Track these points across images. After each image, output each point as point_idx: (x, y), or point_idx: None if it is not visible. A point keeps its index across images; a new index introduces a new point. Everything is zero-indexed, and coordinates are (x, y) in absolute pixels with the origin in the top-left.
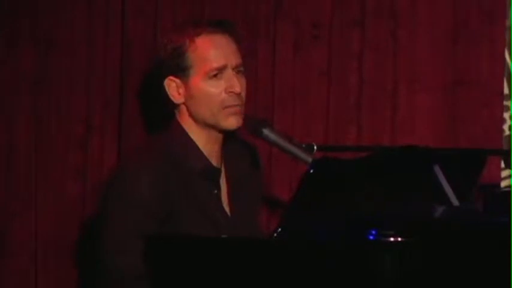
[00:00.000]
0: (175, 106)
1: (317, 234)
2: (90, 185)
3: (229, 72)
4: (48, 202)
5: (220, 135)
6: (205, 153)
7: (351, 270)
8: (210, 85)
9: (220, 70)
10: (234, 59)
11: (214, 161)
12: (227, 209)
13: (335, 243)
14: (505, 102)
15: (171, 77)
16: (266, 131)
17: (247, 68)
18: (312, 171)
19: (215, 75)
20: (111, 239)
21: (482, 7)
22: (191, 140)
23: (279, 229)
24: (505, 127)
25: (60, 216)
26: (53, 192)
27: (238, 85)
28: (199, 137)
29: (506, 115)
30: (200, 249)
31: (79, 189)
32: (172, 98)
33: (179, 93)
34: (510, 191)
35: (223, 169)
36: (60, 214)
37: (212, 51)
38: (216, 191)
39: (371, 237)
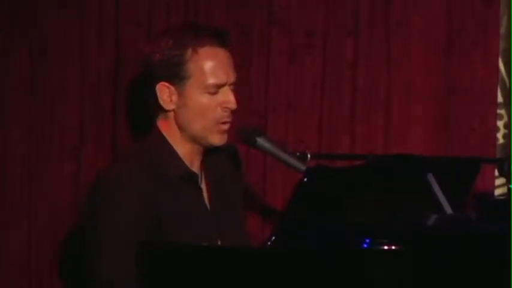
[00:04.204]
0: (162, 111)
1: (311, 243)
2: (84, 194)
3: (226, 88)
4: (42, 211)
5: (201, 148)
6: (185, 160)
7: (345, 279)
8: (207, 98)
9: (219, 87)
10: (232, 76)
11: (194, 166)
12: (209, 209)
13: (329, 251)
14: (499, 111)
15: (165, 83)
16: (260, 140)
17: (241, 76)
18: (305, 179)
19: (212, 90)
20: (103, 250)
21: (475, 16)
22: (171, 147)
23: (273, 237)
24: (499, 135)
25: (54, 225)
26: (47, 201)
27: (234, 101)
28: (181, 145)
29: (499, 123)
30: (193, 257)
31: (73, 198)
32: (162, 103)
33: (171, 100)
34: (504, 200)
35: (203, 173)
36: (54, 223)
37: (214, 67)
38: (196, 193)
39: (365, 246)
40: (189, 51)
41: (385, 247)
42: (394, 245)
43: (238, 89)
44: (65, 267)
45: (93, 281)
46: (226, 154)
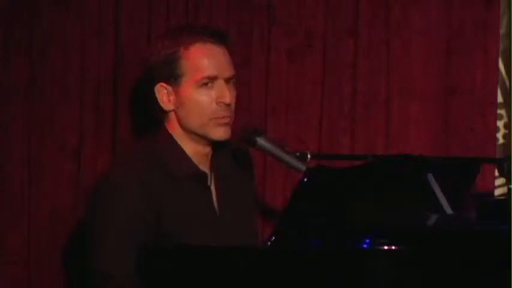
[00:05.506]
0: (165, 113)
1: (311, 243)
2: (84, 194)
3: (220, 83)
4: (42, 211)
5: (208, 145)
6: (193, 158)
7: (345, 279)
8: (201, 94)
9: (212, 80)
10: (226, 71)
11: (203, 165)
12: (217, 209)
13: (329, 251)
14: (499, 111)
15: (163, 84)
16: (260, 140)
17: (241, 77)
18: (306, 179)
19: (206, 84)
20: (103, 245)
21: (475, 16)
22: (179, 146)
23: (273, 237)
24: (499, 135)
25: (54, 225)
26: (47, 201)
27: (228, 96)
28: (188, 145)
29: (499, 123)
30: (194, 258)
31: (73, 198)
32: (162, 104)
33: (169, 100)
34: (504, 200)
35: (212, 174)
36: (54, 223)
37: (205, 60)
38: (205, 193)
39: (365, 246)
40: (181, 49)
41: (385, 247)
42: (394, 245)
43: (238, 89)
44: (64, 267)
45: (92, 276)
46: (238, 155)
